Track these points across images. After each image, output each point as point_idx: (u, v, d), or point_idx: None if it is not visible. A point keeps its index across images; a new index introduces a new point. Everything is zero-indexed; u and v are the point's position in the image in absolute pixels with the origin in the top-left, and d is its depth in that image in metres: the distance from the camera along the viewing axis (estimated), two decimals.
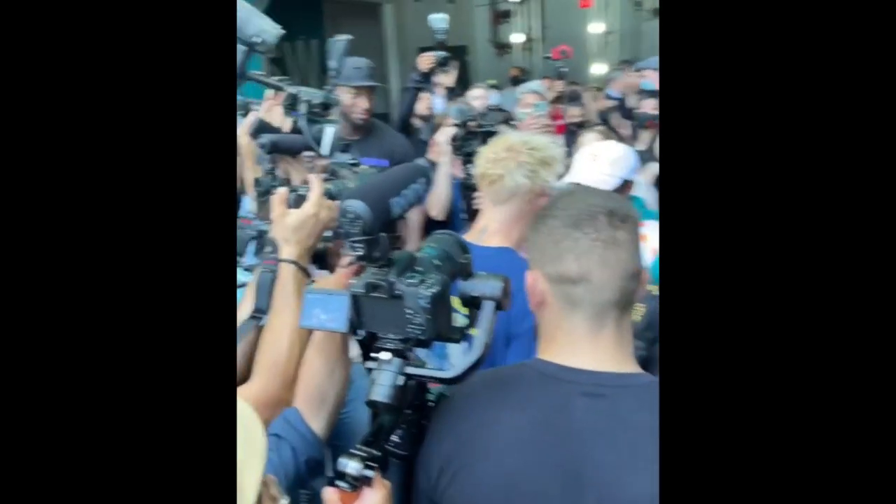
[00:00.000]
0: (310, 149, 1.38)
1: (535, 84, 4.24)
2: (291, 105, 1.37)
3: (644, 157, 3.19)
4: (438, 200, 2.83)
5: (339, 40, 1.63)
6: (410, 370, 0.91)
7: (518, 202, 1.64)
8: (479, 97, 3.71)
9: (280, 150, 1.41)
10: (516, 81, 7.13)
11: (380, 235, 0.84)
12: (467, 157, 2.57)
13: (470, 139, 2.67)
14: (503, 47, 10.70)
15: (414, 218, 2.81)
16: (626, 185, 2.11)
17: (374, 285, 0.88)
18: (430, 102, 3.94)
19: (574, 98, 4.47)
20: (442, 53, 3.52)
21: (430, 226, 2.82)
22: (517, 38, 10.46)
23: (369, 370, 0.91)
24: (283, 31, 1.31)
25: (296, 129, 1.38)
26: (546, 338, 0.94)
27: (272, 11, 1.32)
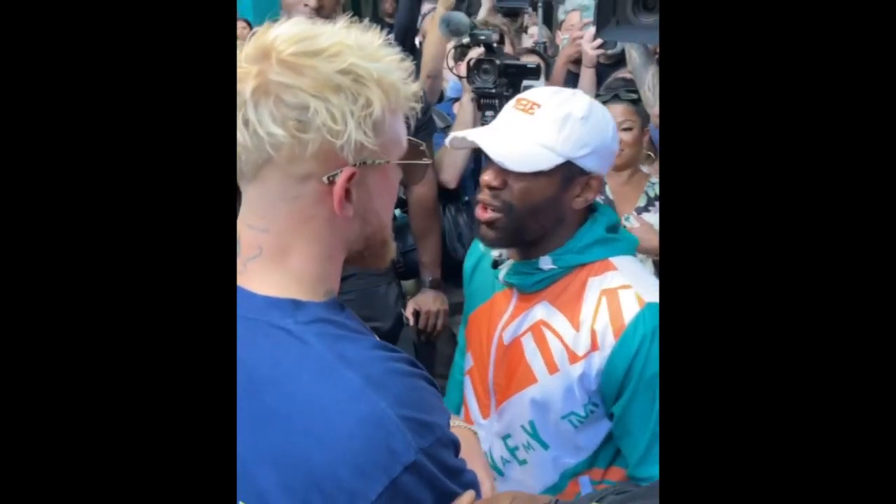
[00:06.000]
0: None
1: None
2: None
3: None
4: (453, 163, 1.89)
5: None
6: None
7: (280, 181, 0.71)
8: None
9: None
10: None
11: None
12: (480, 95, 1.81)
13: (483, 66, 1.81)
14: None
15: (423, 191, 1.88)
16: (571, 171, 1.11)
17: None
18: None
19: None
20: None
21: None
22: None
23: None
24: None
25: None
26: None
27: None
